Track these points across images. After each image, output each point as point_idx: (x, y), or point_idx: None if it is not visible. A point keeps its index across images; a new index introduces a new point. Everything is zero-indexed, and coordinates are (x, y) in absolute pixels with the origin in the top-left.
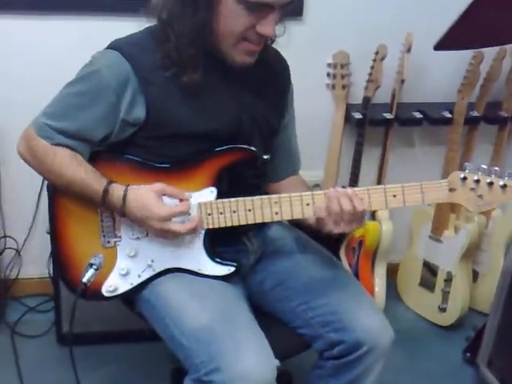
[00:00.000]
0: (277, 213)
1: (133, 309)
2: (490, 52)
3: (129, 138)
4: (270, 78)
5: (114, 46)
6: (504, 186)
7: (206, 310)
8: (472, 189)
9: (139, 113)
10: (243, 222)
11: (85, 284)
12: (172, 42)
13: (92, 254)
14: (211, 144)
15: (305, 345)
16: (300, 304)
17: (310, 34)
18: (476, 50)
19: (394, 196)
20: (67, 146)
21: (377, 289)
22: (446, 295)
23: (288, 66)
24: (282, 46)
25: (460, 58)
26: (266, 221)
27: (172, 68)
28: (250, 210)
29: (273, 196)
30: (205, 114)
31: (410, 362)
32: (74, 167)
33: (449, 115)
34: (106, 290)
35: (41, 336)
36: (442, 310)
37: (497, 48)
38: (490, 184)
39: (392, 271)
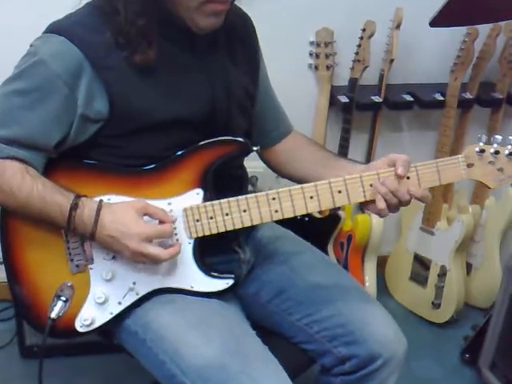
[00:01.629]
0: (276, 211)
1: (111, 339)
2: (482, 29)
3: (88, 141)
4: (236, 38)
5: (57, 29)
6: None
7: (211, 342)
8: (491, 162)
9: (100, 105)
10: (238, 226)
11: (53, 320)
12: (121, 14)
13: (59, 283)
14: (187, 133)
15: (311, 360)
16: (302, 317)
17: (291, 10)
18: (470, 27)
19: (408, 178)
20: (17, 159)
21: (367, 284)
22: (439, 290)
23: (250, 19)
24: (260, 21)
25: (452, 36)
26: (264, 221)
27: (127, 46)
28: (245, 211)
29: (270, 192)
30: (175, 95)
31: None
32: (29, 183)
33: (441, 98)
34: (81, 324)
35: (2, 348)
36: (436, 306)
37: (490, 25)
38: (510, 155)
39: (380, 264)
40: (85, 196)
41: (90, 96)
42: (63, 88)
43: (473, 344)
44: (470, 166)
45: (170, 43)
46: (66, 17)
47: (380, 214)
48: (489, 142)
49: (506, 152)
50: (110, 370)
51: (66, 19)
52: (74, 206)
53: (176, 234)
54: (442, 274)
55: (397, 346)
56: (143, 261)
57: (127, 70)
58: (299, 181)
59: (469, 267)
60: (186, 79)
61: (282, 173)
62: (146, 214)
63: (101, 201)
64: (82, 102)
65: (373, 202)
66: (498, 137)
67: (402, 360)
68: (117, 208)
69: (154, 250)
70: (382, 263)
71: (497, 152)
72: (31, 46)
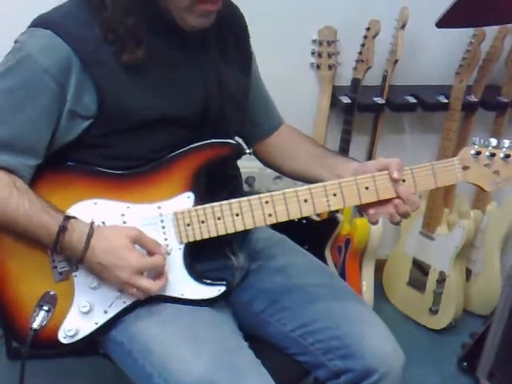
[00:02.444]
0: (270, 214)
1: (97, 349)
2: (489, 31)
3: (75, 141)
4: (227, 31)
5: (44, 22)
6: None
7: (201, 356)
8: (486, 164)
9: (89, 101)
10: (231, 231)
11: (35, 331)
12: (109, 10)
13: (41, 292)
14: (178, 132)
15: (305, 372)
16: (297, 328)
17: (293, 7)
18: (477, 28)
19: (404, 181)
20: (5, 169)
21: (364, 289)
22: (438, 296)
23: (240, 11)
24: (262, 19)
25: (459, 37)
26: (258, 226)
27: (115, 42)
28: (237, 215)
29: (263, 195)
30: (165, 93)
31: None
32: (15, 199)
33: (445, 100)
34: (64, 334)
35: None
36: (434, 312)
37: (497, 26)
38: (506, 157)
39: (377, 268)
40: (74, 217)
41: (80, 92)
42: (51, 83)
43: (471, 352)
44: (465, 168)
45: (160, 40)
46: (53, 10)
47: (373, 222)
48: (484, 145)
49: (502, 155)
50: (98, 373)
51: (53, 12)
52: (62, 229)
53: (167, 245)
54: (441, 279)
55: (394, 361)
56: (131, 292)
57: (117, 66)
58: (292, 176)
59: (468, 273)
60: (177, 77)
61: (274, 166)
62: (137, 243)
63: (92, 224)
64: (72, 97)
65: (368, 205)
66: (493, 139)
67: (399, 375)
68: (109, 234)
69: (145, 283)
70: (378, 267)
71: (492, 154)
72: (16, 41)
